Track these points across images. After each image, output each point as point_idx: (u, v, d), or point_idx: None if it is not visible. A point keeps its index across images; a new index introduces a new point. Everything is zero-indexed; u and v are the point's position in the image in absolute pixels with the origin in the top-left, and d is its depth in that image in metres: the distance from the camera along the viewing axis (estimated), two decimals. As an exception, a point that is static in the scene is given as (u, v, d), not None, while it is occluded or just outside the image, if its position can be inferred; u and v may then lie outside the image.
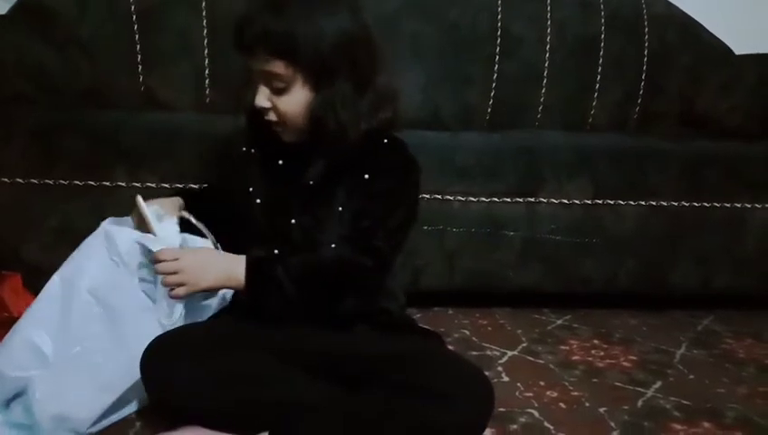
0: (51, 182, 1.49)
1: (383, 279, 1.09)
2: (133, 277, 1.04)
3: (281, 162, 1.11)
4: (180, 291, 1.00)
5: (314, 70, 1.01)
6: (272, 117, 1.05)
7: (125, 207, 1.42)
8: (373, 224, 1.05)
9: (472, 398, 0.95)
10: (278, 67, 1.01)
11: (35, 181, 1.49)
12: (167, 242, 1.05)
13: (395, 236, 1.07)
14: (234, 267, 1.01)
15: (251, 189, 1.11)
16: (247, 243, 1.08)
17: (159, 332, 1.01)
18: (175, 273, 0.99)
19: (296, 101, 1.03)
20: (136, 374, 1.00)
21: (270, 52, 1.00)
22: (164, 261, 1.00)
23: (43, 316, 1.02)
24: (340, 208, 1.06)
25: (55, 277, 1.05)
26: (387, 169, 1.08)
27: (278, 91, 1.03)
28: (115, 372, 1.01)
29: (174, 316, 1.04)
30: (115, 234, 1.06)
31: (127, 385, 1.02)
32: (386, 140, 1.09)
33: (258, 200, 1.10)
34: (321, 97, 1.02)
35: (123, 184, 1.50)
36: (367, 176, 1.06)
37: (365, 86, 1.05)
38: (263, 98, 1.04)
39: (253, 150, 1.14)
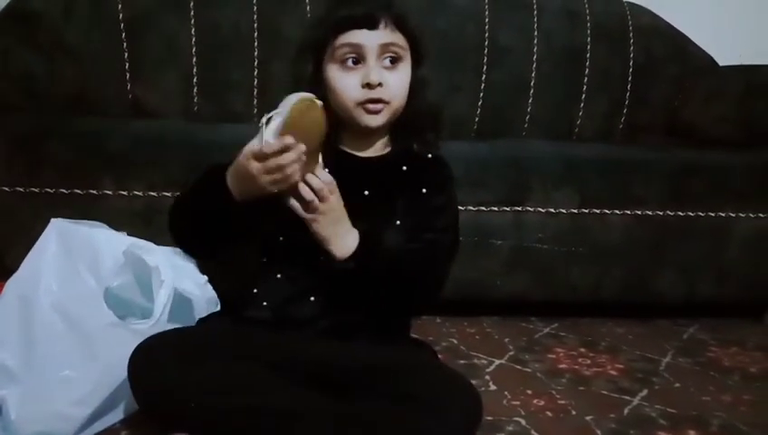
0: (36, 190, 1.48)
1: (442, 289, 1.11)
2: (99, 289, 1.02)
3: (327, 171, 1.08)
4: (315, 225, 0.99)
5: (417, 49, 1.08)
6: (381, 95, 1.04)
7: (112, 215, 1.42)
8: (437, 237, 1.08)
9: (461, 408, 0.95)
10: (399, 39, 1.05)
11: (21, 190, 1.48)
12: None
13: (454, 250, 1.12)
14: (350, 233, 1.01)
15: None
16: (291, 253, 1.05)
17: (134, 340, 0.99)
18: (323, 201, 0.98)
19: (405, 76, 1.06)
20: (111, 386, 1.00)
21: (395, 22, 1.04)
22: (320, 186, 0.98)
23: (1, 335, 1.00)
24: (399, 223, 1.07)
25: (10, 294, 1.02)
26: (440, 184, 1.12)
27: (390, 67, 1.04)
28: (88, 385, 1.00)
29: (153, 318, 1.03)
30: (98, 239, 1.04)
31: (102, 397, 1.01)
32: (429, 155, 1.13)
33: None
34: (418, 76, 1.08)
35: (110, 192, 1.49)
36: (424, 190, 1.09)
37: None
38: (378, 73, 1.03)
39: None
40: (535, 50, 2.00)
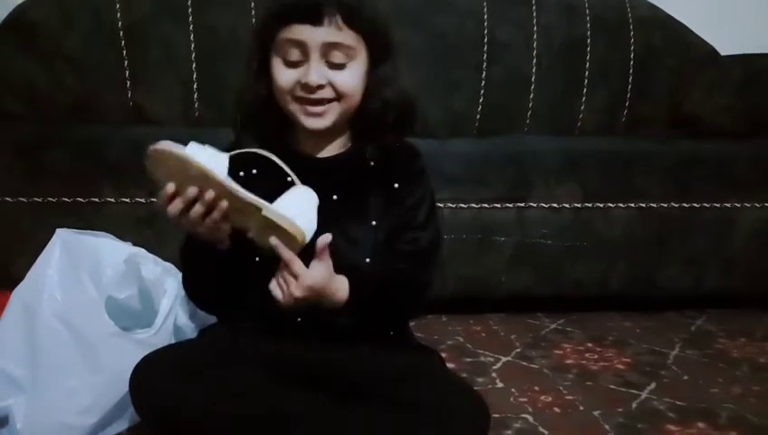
0: (39, 200, 1.49)
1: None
2: (101, 299, 1.02)
3: (290, 179, 1.02)
4: (294, 289, 0.91)
5: (376, 43, 0.99)
6: (324, 95, 0.97)
7: (115, 223, 1.43)
8: (419, 235, 1.03)
9: (465, 418, 0.93)
10: (348, 38, 0.96)
11: (24, 199, 1.48)
12: None
13: (437, 243, 1.07)
14: (336, 294, 0.96)
15: None
16: (267, 271, 0.97)
17: (137, 350, 0.99)
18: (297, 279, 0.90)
19: (356, 75, 0.98)
20: (115, 396, 1.00)
21: (344, 17, 0.95)
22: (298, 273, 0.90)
23: (7, 345, 1.01)
24: (375, 223, 1.02)
25: (15, 305, 1.02)
26: (413, 176, 1.05)
27: (338, 66, 0.97)
28: (92, 394, 1.01)
29: (154, 327, 1.03)
30: (101, 249, 1.05)
31: (107, 407, 1.02)
32: (397, 145, 1.06)
33: None
34: (377, 74, 1.00)
35: (112, 200, 1.50)
36: (397, 185, 1.03)
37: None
38: (319, 73, 0.96)
39: (254, 171, 1.02)
40: (535, 45, 1.99)
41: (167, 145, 0.85)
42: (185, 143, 1.49)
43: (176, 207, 0.89)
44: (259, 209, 0.86)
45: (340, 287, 0.96)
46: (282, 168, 0.92)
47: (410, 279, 1.03)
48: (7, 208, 1.49)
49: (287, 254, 0.89)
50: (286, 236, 0.87)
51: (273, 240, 0.88)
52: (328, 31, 0.95)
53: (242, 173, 1.00)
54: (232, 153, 0.90)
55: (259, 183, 0.98)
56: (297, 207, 0.88)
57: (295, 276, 0.90)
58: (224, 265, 0.97)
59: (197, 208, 0.88)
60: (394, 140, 1.04)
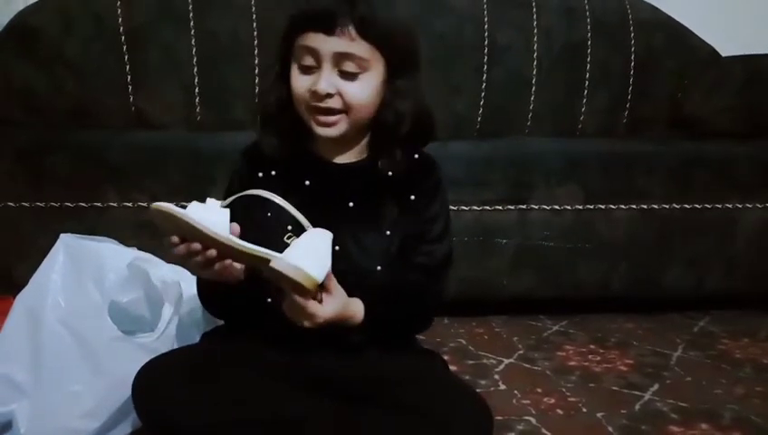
0: (42, 205, 1.49)
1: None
2: (104, 303, 1.03)
3: (307, 183, 1.02)
4: (307, 323, 0.91)
5: (395, 57, 0.98)
6: (333, 104, 0.96)
7: (117, 228, 1.43)
8: (434, 248, 1.04)
9: (466, 423, 0.93)
10: (360, 48, 0.95)
11: (26, 204, 1.49)
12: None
13: (450, 256, 1.07)
14: (353, 318, 0.96)
15: (278, 218, 0.94)
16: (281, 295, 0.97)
17: (139, 354, 0.99)
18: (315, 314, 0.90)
19: (368, 86, 0.97)
20: (118, 400, 1.00)
21: (357, 27, 0.94)
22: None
23: (11, 350, 1.01)
24: (389, 232, 1.01)
25: (18, 310, 1.03)
26: (430, 189, 1.05)
27: (349, 76, 0.96)
28: (95, 399, 1.01)
29: (157, 332, 1.03)
30: (104, 253, 1.05)
31: (110, 411, 1.02)
32: (416, 156, 1.06)
33: (289, 227, 0.93)
34: (395, 85, 0.99)
35: (114, 204, 1.51)
36: (413, 197, 1.03)
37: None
38: (328, 82, 0.95)
39: (273, 172, 1.03)
40: (535, 47, 1.99)
41: (167, 206, 0.86)
42: (187, 146, 1.50)
43: (181, 251, 0.89)
44: (268, 260, 0.85)
45: (357, 310, 0.96)
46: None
47: (424, 292, 1.04)
48: (10, 213, 1.49)
49: (300, 300, 0.89)
50: (297, 282, 0.86)
51: (286, 289, 0.89)
52: (340, 41, 0.94)
53: (261, 174, 1.03)
54: (232, 198, 0.90)
55: (277, 184, 0.99)
56: (307, 256, 0.86)
57: (310, 316, 0.91)
58: (236, 292, 0.97)
59: (200, 259, 0.89)
60: (409, 152, 1.04)
